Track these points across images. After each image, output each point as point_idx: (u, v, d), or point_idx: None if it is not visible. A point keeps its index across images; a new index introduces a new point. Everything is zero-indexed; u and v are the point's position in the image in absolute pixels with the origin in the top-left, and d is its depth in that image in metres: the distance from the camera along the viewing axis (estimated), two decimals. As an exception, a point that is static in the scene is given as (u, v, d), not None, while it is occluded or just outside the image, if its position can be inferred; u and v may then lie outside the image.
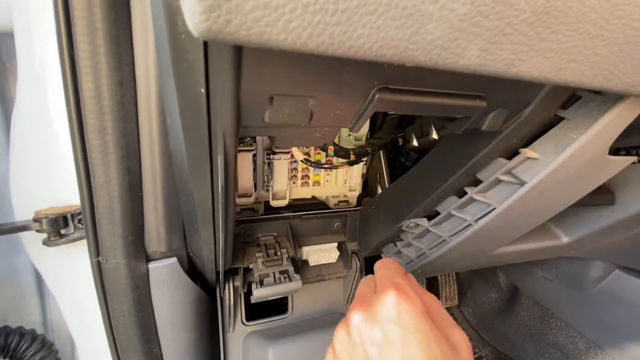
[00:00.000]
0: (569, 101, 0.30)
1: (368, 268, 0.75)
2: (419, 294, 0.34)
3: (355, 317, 0.32)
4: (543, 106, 0.29)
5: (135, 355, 0.43)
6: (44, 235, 0.42)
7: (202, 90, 0.18)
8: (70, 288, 0.46)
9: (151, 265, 0.41)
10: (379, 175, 0.70)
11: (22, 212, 0.43)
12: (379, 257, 0.65)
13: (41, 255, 0.45)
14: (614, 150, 0.44)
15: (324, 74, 0.21)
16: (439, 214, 0.47)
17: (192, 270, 0.48)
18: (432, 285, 1.12)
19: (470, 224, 0.43)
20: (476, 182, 0.40)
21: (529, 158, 0.34)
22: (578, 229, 0.58)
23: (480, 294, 1.17)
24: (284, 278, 0.54)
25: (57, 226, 0.41)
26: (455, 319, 1.19)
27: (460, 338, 0.32)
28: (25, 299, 0.54)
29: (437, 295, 1.10)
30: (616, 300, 0.79)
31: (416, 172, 0.48)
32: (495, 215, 0.39)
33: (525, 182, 0.34)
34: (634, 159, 0.35)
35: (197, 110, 0.20)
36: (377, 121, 0.69)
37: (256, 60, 0.18)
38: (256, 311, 0.67)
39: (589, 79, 0.21)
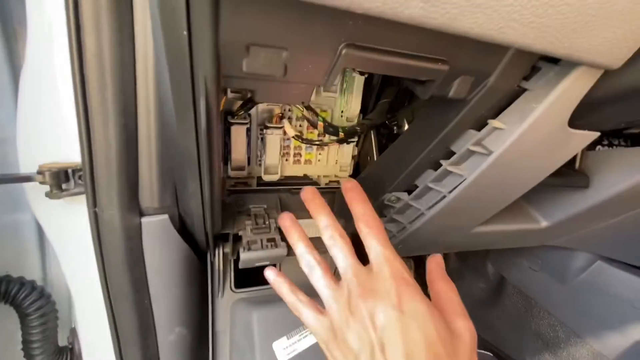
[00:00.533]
0: (531, 73, 0.33)
1: (355, 244, 0.77)
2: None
3: (356, 290, 0.33)
4: (506, 76, 0.32)
5: (126, 304, 0.46)
6: (47, 190, 0.45)
7: (185, 32, 0.21)
8: (69, 241, 0.49)
9: (144, 219, 0.44)
10: (370, 157, 0.73)
11: (27, 167, 0.46)
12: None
13: (43, 209, 0.49)
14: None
15: (296, 27, 0.23)
16: (418, 187, 0.49)
17: (184, 230, 0.51)
18: (420, 274, 1.15)
19: (444, 196, 0.45)
20: (450, 155, 0.42)
21: (496, 128, 0.36)
22: (555, 212, 0.60)
23: (469, 284, 1.19)
24: (271, 245, 0.57)
25: (59, 179, 0.45)
26: (442, 307, 1.22)
27: (465, 327, 0.33)
28: (26, 253, 0.57)
29: (424, 282, 1.13)
30: (597, 290, 0.82)
31: (396, 147, 0.50)
32: (467, 185, 0.41)
33: (493, 152, 0.37)
34: (595, 134, 0.37)
35: (181, 54, 0.22)
36: (369, 104, 0.71)
37: (232, 8, 0.21)
38: (248, 281, 0.70)
39: (531, 40, 0.23)
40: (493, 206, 0.50)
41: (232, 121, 0.57)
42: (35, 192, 0.47)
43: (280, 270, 0.70)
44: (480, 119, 0.37)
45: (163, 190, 0.44)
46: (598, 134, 0.37)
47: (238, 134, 0.59)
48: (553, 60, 0.31)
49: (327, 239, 0.37)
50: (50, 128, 0.44)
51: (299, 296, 0.39)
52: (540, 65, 0.32)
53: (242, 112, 0.58)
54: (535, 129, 0.33)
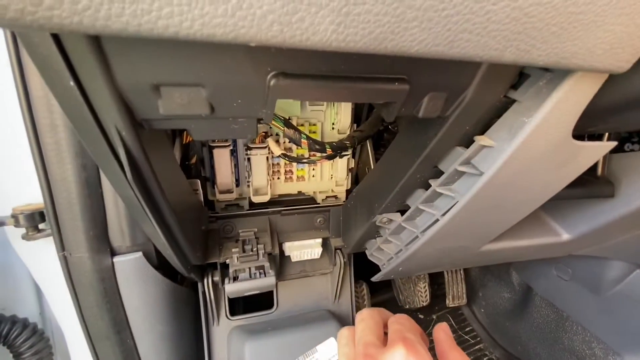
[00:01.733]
0: (520, 80, 0.27)
1: (356, 264, 0.73)
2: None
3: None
4: (487, 88, 0.26)
5: (108, 345, 0.45)
6: (23, 232, 0.44)
7: (71, 83, 0.18)
8: (52, 280, 0.48)
9: (116, 259, 0.42)
10: (368, 168, 0.68)
11: (4, 209, 0.46)
12: (364, 254, 0.63)
13: (25, 250, 0.48)
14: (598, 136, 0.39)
15: (207, 61, 0.20)
16: (410, 208, 0.44)
17: (165, 264, 0.49)
18: (436, 283, 1.08)
19: (437, 219, 0.40)
20: (440, 174, 0.37)
21: (484, 146, 0.31)
22: (578, 224, 0.52)
23: (492, 294, 1.11)
24: (259, 274, 0.54)
25: (34, 221, 0.44)
26: (464, 318, 1.14)
27: None
28: (21, 290, 0.57)
29: (444, 294, 1.06)
30: (636, 302, 0.72)
31: (384, 163, 0.46)
32: (461, 208, 0.36)
33: (483, 173, 0.31)
34: (610, 145, 0.30)
35: (77, 106, 0.19)
36: (363, 112, 0.67)
37: (121, 48, 0.18)
38: (247, 306, 0.68)
39: (498, 51, 0.18)
40: (498, 226, 0.44)
41: (213, 145, 0.55)
42: (15, 233, 0.46)
43: (277, 295, 0.67)
44: (467, 135, 0.32)
45: (133, 227, 0.42)
46: (613, 144, 0.31)
47: (221, 156, 0.56)
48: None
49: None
50: (19, 170, 0.43)
51: None
52: (528, 71, 0.26)
53: (222, 134, 0.55)
54: (531, 145, 0.28)
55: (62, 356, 0.61)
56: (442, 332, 0.39)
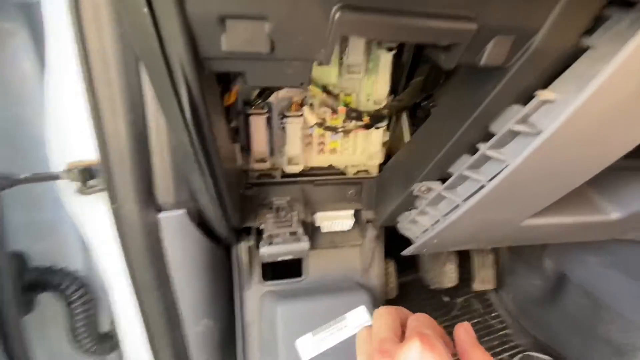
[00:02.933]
0: (595, 26, 0.25)
1: (387, 238, 0.72)
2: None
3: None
4: (558, 32, 0.24)
5: (152, 296, 0.47)
6: (76, 187, 0.47)
7: (145, 9, 0.18)
8: (99, 236, 0.51)
9: (161, 215, 0.44)
10: (402, 143, 0.67)
11: (57, 166, 0.48)
12: (393, 233, 0.63)
13: (75, 206, 0.51)
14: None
15: (274, -10, 0.20)
16: (452, 176, 0.43)
17: (205, 224, 0.51)
18: (464, 267, 1.06)
19: (483, 185, 0.39)
20: (490, 137, 0.36)
21: (546, 102, 0.29)
22: (630, 201, 0.49)
23: (522, 280, 1.08)
24: (293, 239, 0.55)
25: (86, 177, 0.46)
26: (491, 304, 1.12)
27: None
28: (69, 245, 0.61)
29: (470, 277, 1.04)
30: (687, 293, 0.68)
31: (426, 129, 0.44)
32: (510, 173, 0.34)
33: (541, 131, 0.30)
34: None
35: (147, 37, 0.20)
36: (400, 84, 0.65)
37: (194, -27, 0.18)
38: (279, 273, 0.69)
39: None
40: (546, 196, 0.42)
41: (250, 112, 0.55)
42: (66, 190, 0.49)
43: (306, 263, 0.68)
44: (527, 90, 0.30)
45: (178, 185, 0.43)
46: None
47: (257, 124, 0.57)
48: (626, 5, 0.23)
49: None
50: (75, 128, 0.45)
51: None
52: (607, 13, 0.24)
53: (260, 101, 0.55)
54: (600, 100, 0.26)
55: (104, 310, 0.65)
56: (464, 330, 0.37)
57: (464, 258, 1.08)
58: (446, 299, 1.10)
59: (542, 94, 0.29)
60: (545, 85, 0.29)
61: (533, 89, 0.30)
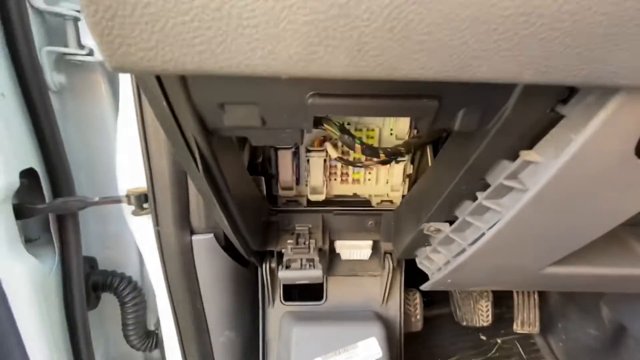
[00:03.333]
0: (571, 94, 0.26)
1: (411, 272, 0.72)
2: None
3: None
4: (528, 103, 0.26)
5: (184, 307, 0.55)
6: (133, 209, 0.57)
7: (164, 103, 0.25)
8: (150, 249, 0.61)
9: (194, 237, 0.51)
10: (426, 176, 0.67)
11: (122, 191, 0.60)
12: (414, 261, 0.63)
13: (134, 223, 0.62)
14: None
15: (259, 86, 0.25)
16: (458, 219, 0.44)
17: (232, 247, 0.58)
18: (505, 305, 0.99)
19: (484, 233, 0.39)
20: (488, 186, 0.36)
21: (531, 162, 0.30)
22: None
23: (575, 327, 0.97)
24: (309, 265, 0.59)
25: (141, 201, 0.56)
26: (537, 349, 1.02)
27: None
28: (129, 255, 0.73)
29: (511, 317, 0.97)
30: None
31: (430, 172, 0.46)
32: (506, 223, 0.35)
33: (528, 189, 0.30)
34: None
35: (167, 120, 0.26)
36: (423, 120, 0.66)
37: (197, 79, 0.24)
38: (302, 296, 0.74)
39: (519, 74, 0.19)
40: (559, 247, 0.40)
41: (278, 147, 0.61)
42: (127, 209, 0.60)
43: (327, 288, 0.71)
44: (512, 148, 0.31)
45: (208, 214, 0.51)
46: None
47: (284, 157, 0.63)
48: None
49: None
50: (135, 161, 0.56)
51: None
52: (577, 86, 0.25)
53: (286, 137, 0.61)
54: (580, 164, 0.26)
55: (152, 311, 0.76)
56: None
57: (505, 295, 1.01)
58: (483, 337, 1.03)
59: (526, 155, 0.30)
60: (531, 144, 0.30)
61: (519, 147, 0.30)
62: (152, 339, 0.71)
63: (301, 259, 0.60)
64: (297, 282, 0.62)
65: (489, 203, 0.36)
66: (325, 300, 0.70)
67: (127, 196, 0.55)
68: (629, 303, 0.80)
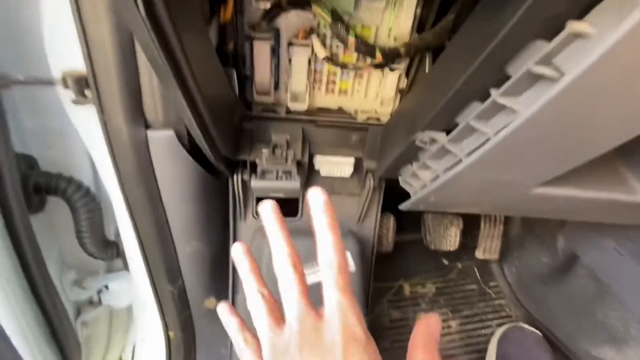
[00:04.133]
0: None
1: (386, 196, 0.70)
2: None
3: (296, 339, 0.29)
4: None
5: (145, 214, 0.49)
6: (73, 96, 0.47)
7: None
8: (100, 147, 0.52)
9: (150, 132, 0.43)
10: (420, 90, 0.61)
11: (56, 73, 0.48)
12: (395, 187, 0.60)
13: (76, 115, 0.52)
14: None
15: None
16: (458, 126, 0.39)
17: (199, 152, 0.50)
18: (470, 235, 1.03)
19: (488, 138, 0.34)
20: (505, 81, 0.30)
21: (577, 36, 0.23)
22: (667, 182, 0.43)
23: (529, 255, 1.04)
24: (286, 177, 0.54)
25: (81, 86, 0.46)
26: (491, 273, 1.11)
27: None
28: (76, 157, 0.64)
29: (475, 245, 1.02)
30: None
31: (435, 71, 0.39)
32: (521, 124, 0.30)
33: (564, 74, 0.24)
34: None
35: None
36: (428, 20, 0.57)
37: None
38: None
39: None
40: (560, 161, 0.37)
41: (254, 35, 0.51)
42: (65, 98, 0.49)
43: (303, 204, 0.68)
44: (555, 19, 0.24)
45: (166, 105, 0.42)
46: None
47: (260, 51, 0.53)
48: None
49: (278, 269, 0.33)
50: (68, 34, 0.43)
51: (245, 334, 0.34)
52: None
53: (265, 23, 0.50)
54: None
55: (111, 222, 0.70)
56: (424, 325, 0.33)
57: (473, 226, 1.05)
58: (446, 262, 1.09)
59: (575, 25, 0.23)
60: (579, 16, 0.23)
61: (563, 18, 0.24)
62: (112, 248, 0.67)
63: (277, 171, 0.55)
64: (272, 195, 0.57)
65: (505, 100, 0.31)
66: (301, 216, 0.67)
67: (63, 78, 0.45)
68: (585, 235, 0.85)
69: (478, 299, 1.03)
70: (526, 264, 1.04)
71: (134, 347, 0.83)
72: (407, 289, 1.02)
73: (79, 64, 0.46)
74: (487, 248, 1.01)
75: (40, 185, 0.55)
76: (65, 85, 0.45)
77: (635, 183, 0.46)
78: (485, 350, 0.90)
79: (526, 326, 0.91)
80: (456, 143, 0.41)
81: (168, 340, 0.67)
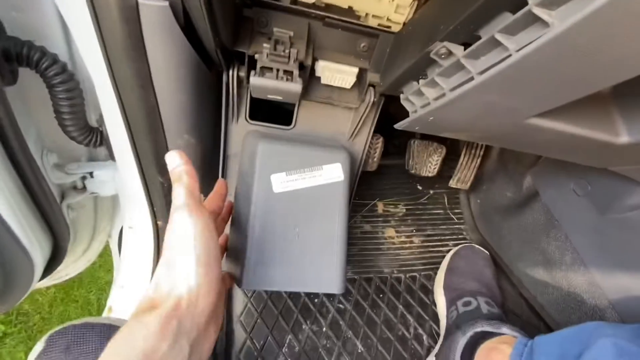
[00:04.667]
0: None
1: (385, 107, 0.69)
2: None
3: None
4: None
5: (133, 97, 0.46)
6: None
7: None
8: (80, 17, 0.45)
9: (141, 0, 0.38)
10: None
11: None
12: (398, 98, 0.59)
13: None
14: None
15: None
16: (479, 40, 0.37)
17: (193, 37, 0.46)
18: (449, 166, 1.08)
19: (509, 54, 0.33)
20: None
21: None
22: (649, 126, 0.45)
23: (496, 189, 1.13)
24: (287, 78, 0.51)
25: None
26: (458, 201, 1.20)
27: None
28: (49, 27, 0.56)
29: (450, 175, 1.07)
30: (637, 232, 0.72)
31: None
32: (549, 39, 0.29)
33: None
34: None
35: None
36: None
37: None
38: (266, 118, 0.68)
39: None
40: (566, 90, 0.37)
41: None
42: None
43: (298, 114, 0.66)
44: None
45: (161, -35, 0.36)
46: None
47: None
48: None
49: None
50: None
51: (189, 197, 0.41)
52: None
53: None
54: None
55: (91, 107, 0.65)
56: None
57: (452, 157, 1.10)
58: (420, 187, 1.17)
59: None
60: None
61: None
62: (95, 134, 0.64)
63: (277, 70, 0.51)
64: (269, 97, 0.55)
65: (541, 11, 0.29)
66: (294, 125, 0.67)
67: None
68: (551, 175, 0.93)
69: (442, 222, 1.14)
70: (491, 196, 1.13)
71: (120, 233, 0.87)
72: (380, 207, 1.10)
73: None
74: (461, 178, 1.08)
75: (9, 51, 0.49)
76: None
77: (621, 126, 0.48)
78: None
79: (477, 246, 1.03)
80: (472, 59, 0.40)
81: (156, 229, 0.70)
